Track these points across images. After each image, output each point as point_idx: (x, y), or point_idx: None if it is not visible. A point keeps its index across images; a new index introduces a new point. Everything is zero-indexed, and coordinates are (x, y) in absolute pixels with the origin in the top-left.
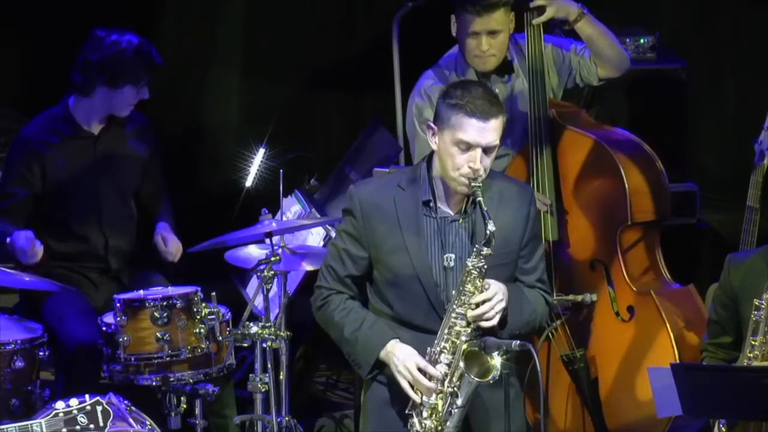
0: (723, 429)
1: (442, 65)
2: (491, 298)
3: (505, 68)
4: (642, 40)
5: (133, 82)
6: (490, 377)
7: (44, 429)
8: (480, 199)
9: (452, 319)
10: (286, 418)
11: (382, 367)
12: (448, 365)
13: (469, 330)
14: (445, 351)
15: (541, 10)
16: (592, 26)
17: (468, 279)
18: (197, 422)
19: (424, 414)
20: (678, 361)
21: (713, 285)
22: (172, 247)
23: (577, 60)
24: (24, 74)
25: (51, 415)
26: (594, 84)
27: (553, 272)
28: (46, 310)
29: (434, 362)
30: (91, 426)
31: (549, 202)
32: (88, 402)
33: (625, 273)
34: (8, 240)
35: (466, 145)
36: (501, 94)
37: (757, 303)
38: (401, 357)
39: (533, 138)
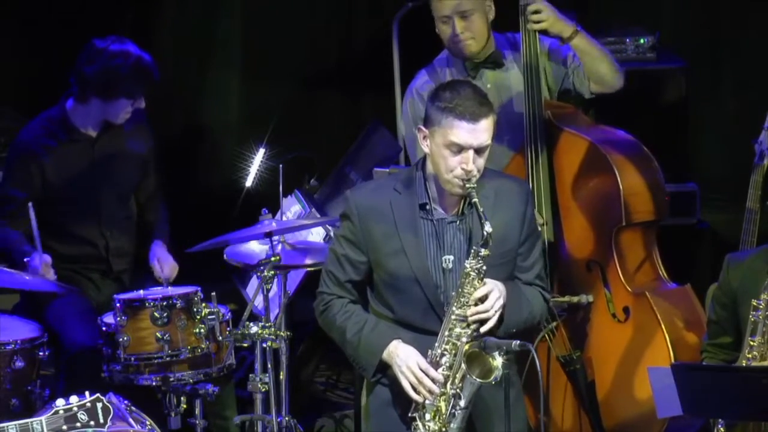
0: (722, 430)
1: (435, 64)
2: (488, 295)
3: (495, 60)
4: (642, 40)
5: (128, 96)
6: (492, 378)
7: (44, 427)
8: (475, 200)
9: (452, 321)
10: (286, 418)
11: (385, 368)
12: (450, 367)
13: (469, 331)
14: (446, 353)
15: (537, 13)
16: (586, 43)
17: (467, 281)
18: (197, 422)
19: (428, 416)
20: (674, 361)
21: (713, 285)
22: (167, 272)
23: (573, 68)
24: (24, 74)
25: (51, 413)
26: (585, 96)
27: (549, 273)
28: (48, 313)
29: (436, 364)
30: (92, 423)
31: (542, 221)
32: (88, 399)
33: (620, 274)
34: (26, 259)
35: (458, 147)
36: (492, 84)
37: (755, 303)
38: (404, 357)
39: (529, 139)
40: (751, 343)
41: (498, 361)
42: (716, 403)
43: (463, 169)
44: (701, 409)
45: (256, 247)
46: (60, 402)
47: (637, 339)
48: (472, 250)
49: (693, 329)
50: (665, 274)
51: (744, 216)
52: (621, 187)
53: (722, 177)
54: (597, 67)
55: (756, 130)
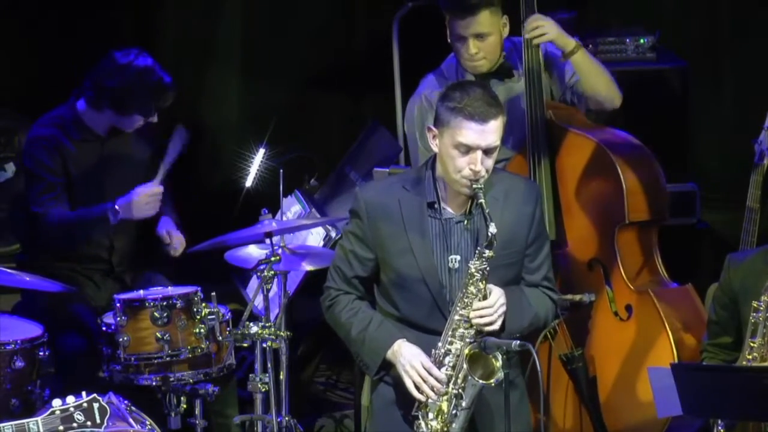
0: (721, 431)
1: (444, 69)
2: (493, 305)
3: (504, 71)
4: (642, 40)
5: (142, 113)
6: (493, 379)
7: (41, 427)
8: (482, 201)
9: (455, 322)
10: (286, 418)
11: (389, 367)
12: (453, 367)
13: (472, 332)
14: (449, 353)
15: (537, 29)
16: (588, 60)
17: (471, 281)
18: (197, 422)
19: (431, 415)
20: (677, 360)
21: (713, 285)
22: (176, 242)
23: (571, 84)
24: (24, 74)
25: (48, 414)
26: (581, 110)
27: None
28: (47, 312)
29: (439, 364)
30: (88, 423)
31: None
32: (85, 399)
33: (623, 272)
34: (115, 206)
35: (466, 148)
36: (501, 97)
37: (755, 305)
38: (408, 356)
39: (531, 140)
40: (752, 344)
41: (500, 362)
42: (716, 403)
43: (471, 169)
44: (701, 409)
45: (255, 252)
46: (56, 402)
47: (639, 337)
48: (477, 251)
49: (695, 328)
50: (665, 274)
51: (744, 216)
52: (624, 186)
53: (722, 177)
54: (595, 84)
55: (756, 130)
